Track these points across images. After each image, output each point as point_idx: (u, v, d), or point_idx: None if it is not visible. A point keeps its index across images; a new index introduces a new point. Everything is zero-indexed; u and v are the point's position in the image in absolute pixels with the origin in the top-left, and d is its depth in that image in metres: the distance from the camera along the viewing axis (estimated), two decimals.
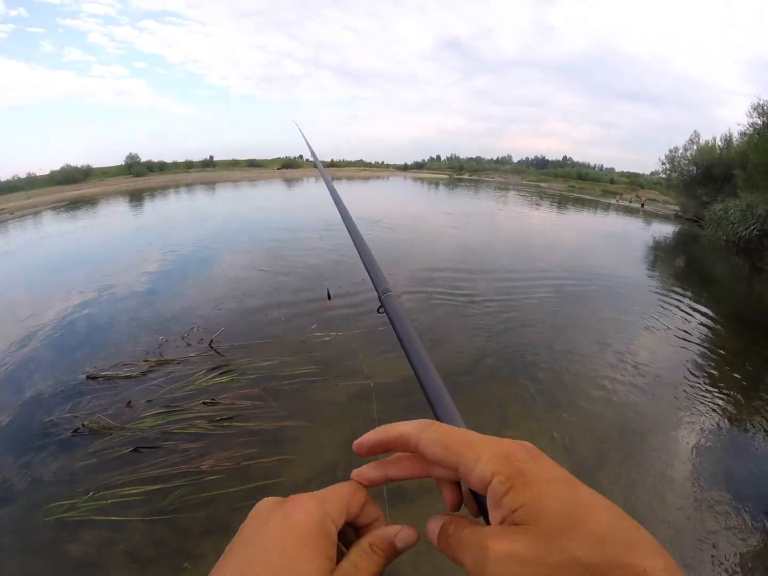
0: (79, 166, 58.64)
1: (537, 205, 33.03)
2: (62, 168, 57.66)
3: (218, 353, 5.62)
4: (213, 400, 4.59)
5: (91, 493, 3.46)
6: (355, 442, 0.42)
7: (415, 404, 4.58)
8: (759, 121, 22.60)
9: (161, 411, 4.45)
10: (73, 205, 29.74)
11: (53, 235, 16.44)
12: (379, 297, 0.80)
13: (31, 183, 54.74)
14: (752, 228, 20.47)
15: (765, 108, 21.93)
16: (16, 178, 58.89)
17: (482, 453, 0.35)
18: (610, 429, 4.61)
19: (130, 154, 67.76)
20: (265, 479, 3.57)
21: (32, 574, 3.00)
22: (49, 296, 8.40)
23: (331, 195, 1.31)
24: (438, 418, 0.54)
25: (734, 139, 30.80)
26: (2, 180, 57.39)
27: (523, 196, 40.57)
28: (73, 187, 47.27)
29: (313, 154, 1.95)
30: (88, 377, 5.21)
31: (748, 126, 24.27)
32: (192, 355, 5.58)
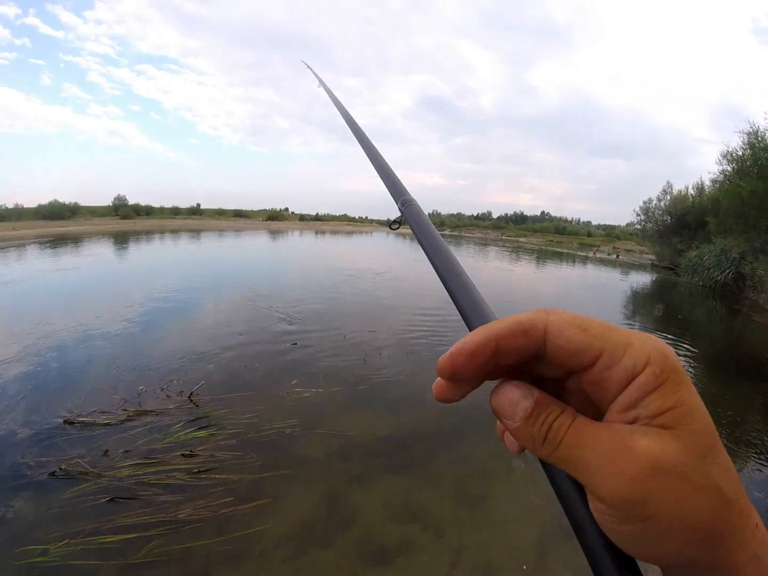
0: (66, 202, 58.82)
1: (516, 260, 33.72)
2: (50, 203, 57.86)
3: (198, 407, 5.65)
4: (192, 452, 4.61)
5: (66, 540, 3.45)
6: (445, 355, 0.33)
7: (395, 465, 4.65)
8: (729, 168, 23.84)
9: (139, 462, 4.44)
10: (58, 241, 29.67)
11: (35, 270, 16.38)
12: (399, 209, 0.80)
13: (18, 214, 54.83)
14: (727, 272, 21.40)
15: (734, 155, 23.16)
16: (3, 207, 58.82)
17: (632, 339, 0.30)
18: None
19: (118, 195, 68.27)
20: (243, 531, 3.58)
21: None
22: (24, 334, 8.34)
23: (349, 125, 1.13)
24: None
25: (706, 187, 32.79)
26: None
27: (503, 251, 41.40)
28: (59, 223, 47.41)
29: (334, 99, 1.39)
30: (65, 422, 5.19)
31: (718, 173, 25.72)
32: (171, 407, 5.59)
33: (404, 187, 0.72)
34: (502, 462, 4.92)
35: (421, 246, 0.64)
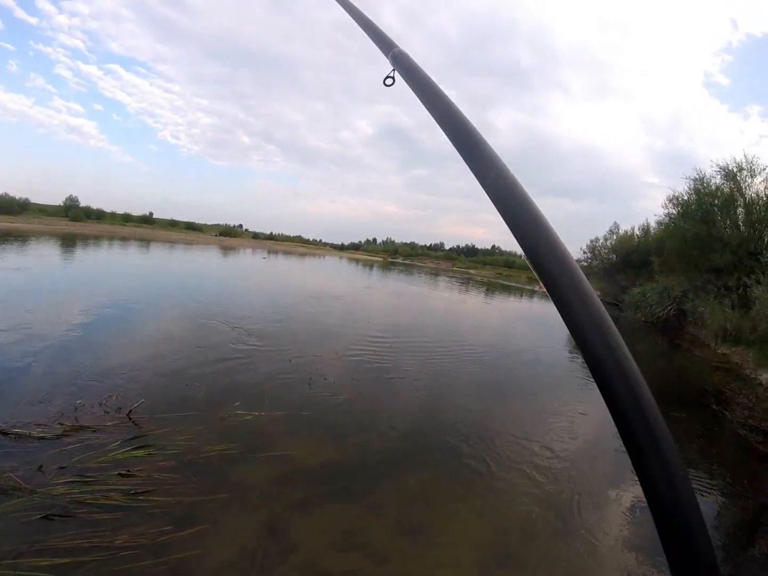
0: (17, 197, 56.89)
1: (465, 291, 34.39)
2: (0, 195, 55.67)
3: (136, 425, 5.53)
4: (129, 471, 4.52)
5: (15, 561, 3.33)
6: None
7: (337, 492, 4.66)
8: (674, 211, 25.31)
9: (74, 480, 4.33)
10: (3, 237, 28.67)
11: None
12: (390, 62, 0.74)
13: None
14: (669, 308, 22.40)
15: (679, 199, 24.68)
16: None
17: None
18: (536, 506, 4.82)
19: (70, 196, 66.34)
20: (181, 556, 3.52)
21: None
22: None
23: None
24: None
25: (651, 228, 34.58)
26: None
27: (454, 281, 42.11)
28: (7, 218, 45.63)
29: None
30: None
31: (663, 216, 27.21)
32: (109, 424, 5.46)
33: (391, 39, 0.61)
34: (444, 490, 4.98)
35: (420, 100, 0.59)
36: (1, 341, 7.99)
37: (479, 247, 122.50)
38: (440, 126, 0.68)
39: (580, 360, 13.56)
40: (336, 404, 6.98)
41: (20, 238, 29.92)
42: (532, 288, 46.43)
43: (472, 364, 10.58)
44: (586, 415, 7.95)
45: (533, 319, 22.33)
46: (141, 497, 4.20)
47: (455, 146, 0.79)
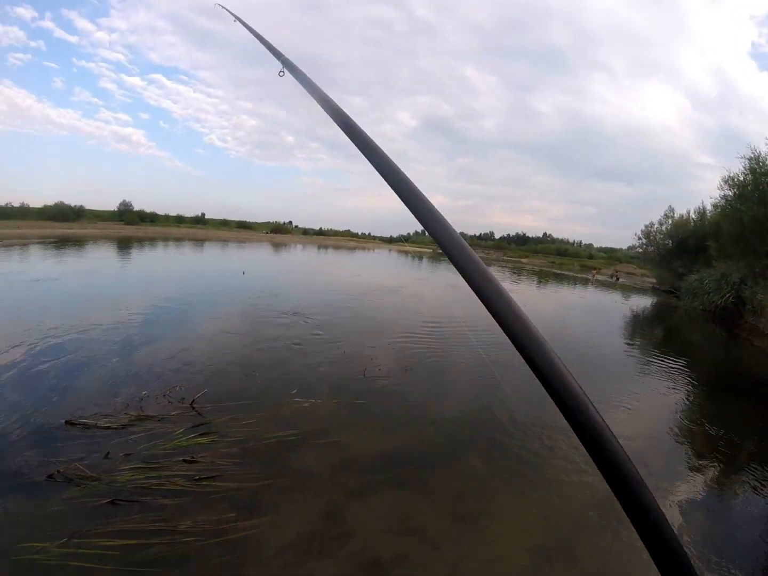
0: (72, 204, 58.95)
1: (517, 281, 33.73)
2: (56, 204, 58.04)
3: (199, 414, 5.67)
4: (193, 458, 4.63)
5: (65, 539, 3.45)
6: None
7: (392, 479, 4.66)
8: (730, 193, 23.90)
9: (140, 466, 4.46)
10: (62, 242, 29.80)
11: (38, 270, 16.48)
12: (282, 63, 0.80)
13: (23, 213, 55.05)
14: (727, 296, 21.39)
15: (735, 180, 23.22)
16: (9, 205, 58.99)
17: None
18: (592, 501, 4.70)
19: (124, 201, 68.49)
20: (241, 539, 3.59)
21: None
22: (29, 335, 8.34)
23: None
24: None
25: (707, 211, 32.81)
26: None
27: (505, 271, 41.39)
28: (63, 225, 47.55)
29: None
30: (66, 422, 5.21)
31: (720, 198, 25.62)
32: (173, 413, 5.61)
33: (278, 50, 0.69)
34: (497, 479, 4.94)
35: (308, 91, 0.65)
36: (69, 339, 8.34)
37: (530, 235, 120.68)
38: (329, 114, 0.78)
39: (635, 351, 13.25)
40: (390, 393, 6.99)
41: (77, 243, 31.02)
42: (584, 276, 45.45)
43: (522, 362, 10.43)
44: (639, 405, 7.78)
45: (583, 309, 21.70)
46: (204, 482, 4.29)
47: (346, 133, 0.89)
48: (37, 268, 17.71)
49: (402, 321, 12.55)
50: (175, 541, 3.54)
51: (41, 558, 3.31)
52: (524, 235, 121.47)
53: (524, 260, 69.90)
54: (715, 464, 5.88)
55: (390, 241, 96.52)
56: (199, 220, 79.33)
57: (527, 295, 23.60)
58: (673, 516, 4.58)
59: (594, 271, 51.08)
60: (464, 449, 5.53)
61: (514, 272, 42.04)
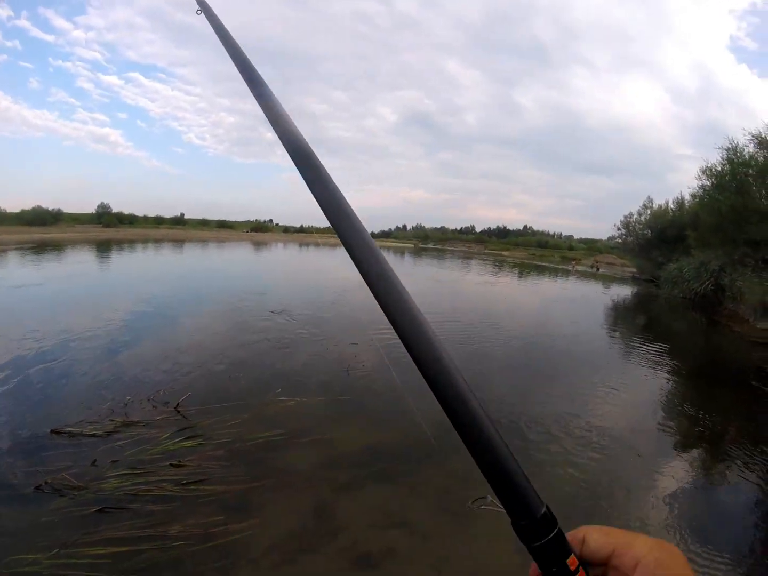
0: (50, 209, 58.23)
1: (498, 273, 33.99)
2: (33, 208, 57.24)
3: (185, 417, 5.68)
4: (180, 462, 4.65)
5: (56, 550, 3.47)
6: None
7: (375, 473, 4.72)
8: (708, 183, 24.07)
9: (127, 472, 4.47)
10: (40, 247, 29.45)
11: (18, 276, 16.31)
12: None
13: None
14: (707, 284, 21.67)
15: (713, 170, 23.40)
16: None
17: (636, 540, 0.47)
18: (576, 489, 4.78)
19: (102, 203, 67.84)
20: (231, 541, 3.63)
21: None
22: (8, 344, 8.28)
23: None
24: None
25: (686, 201, 33.04)
26: None
27: (486, 264, 41.67)
28: (41, 230, 46.89)
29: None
30: (52, 431, 5.20)
31: (697, 188, 25.88)
32: (158, 418, 5.62)
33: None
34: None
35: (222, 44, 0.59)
36: (51, 345, 8.30)
37: (511, 228, 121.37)
38: (239, 71, 0.72)
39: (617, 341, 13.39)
40: (373, 389, 7.05)
41: (56, 247, 30.65)
42: (565, 268, 45.81)
43: (507, 347, 10.56)
44: (617, 391, 7.91)
45: (564, 300, 21.84)
46: (192, 486, 4.31)
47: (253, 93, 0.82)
48: (17, 274, 17.49)
49: (384, 316, 12.54)
50: (166, 546, 3.57)
51: (34, 569, 3.32)
52: (505, 228, 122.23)
53: (505, 253, 70.32)
54: (699, 450, 6.06)
55: (372, 236, 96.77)
56: (179, 221, 78.91)
57: (509, 289, 23.80)
58: (659, 503, 4.67)
59: (574, 262, 51.59)
60: (449, 442, 5.56)
61: (495, 265, 42.32)
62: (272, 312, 11.89)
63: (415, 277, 24.73)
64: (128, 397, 6.16)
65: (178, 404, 5.94)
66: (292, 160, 0.71)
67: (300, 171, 0.69)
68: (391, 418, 6.10)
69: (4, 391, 6.39)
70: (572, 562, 0.47)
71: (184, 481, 4.37)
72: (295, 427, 5.53)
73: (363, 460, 5.01)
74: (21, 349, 8.04)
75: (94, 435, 5.16)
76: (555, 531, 0.49)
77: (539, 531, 0.49)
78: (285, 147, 0.73)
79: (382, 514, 4.15)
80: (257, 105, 0.79)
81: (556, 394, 7.53)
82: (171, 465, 4.61)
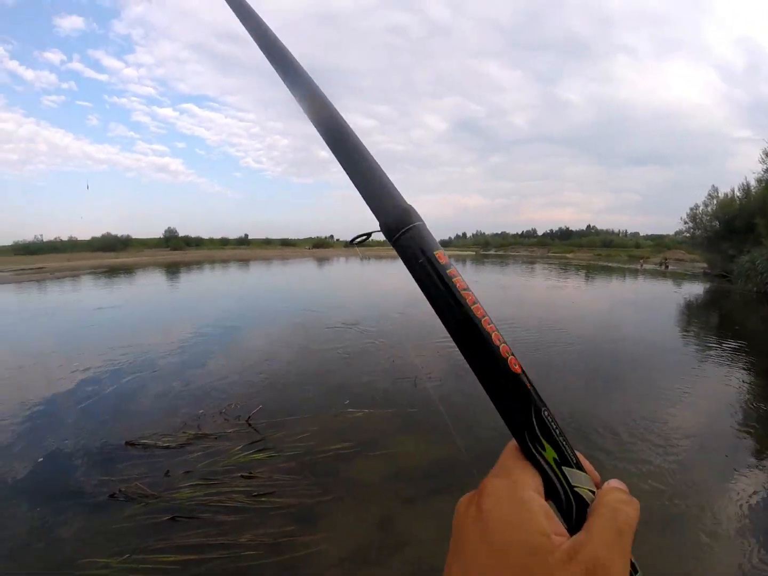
0: (119, 235, 61.01)
1: (564, 277, 32.84)
2: (103, 235, 60.41)
3: (256, 430, 5.72)
4: (251, 474, 4.65)
5: (127, 555, 3.53)
6: None
7: (441, 487, 4.59)
8: None
9: (199, 483, 4.52)
10: (112, 272, 30.87)
11: (94, 299, 17.14)
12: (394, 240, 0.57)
13: (72, 246, 57.75)
14: None
15: None
16: (58, 239, 61.79)
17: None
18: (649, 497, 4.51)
19: (169, 228, 70.69)
20: (299, 553, 3.59)
21: None
22: (87, 361, 8.78)
23: None
24: None
25: (752, 187, 30.72)
26: (45, 240, 60.33)
27: (551, 269, 40.58)
28: (112, 255, 49.50)
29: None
30: (126, 443, 5.36)
31: (763, 172, 24.04)
32: (230, 430, 5.69)
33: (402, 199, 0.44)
34: None
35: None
36: (127, 363, 8.69)
37: (573, 229, 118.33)
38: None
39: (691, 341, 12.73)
40: (441, 401, 6.94)
41: (127, 271, 32.05)
42: (632, 267, 44.05)
43: (576, 352, 10.19)
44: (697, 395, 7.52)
45: (634, 301, 20.35)
46: (263, 498, 4.30)
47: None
48: (95, 297, 18.43)
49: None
50: (234, 555, 3.57)
51: (104, 573, 3.39)
52: (567, 229, 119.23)
53: (569, 255, 68.36)
54: None
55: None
56: (243, 241, 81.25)
57: (576, 292, 22.97)
58: (736, 513, 4.38)
59: (641, 261, 49.60)
60: None
61: (561, 268, 41.11)
62: (339, 325, 12.04)
63: (481, 285, 24.31)
64: (201, 411, 6.29)
65: (249, 417, 5.99)
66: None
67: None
68: (458, 431, 5.97)
69: (85, 405, 6.71)
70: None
71: (255, 493, 4.36)
72: (363, 439, 5.47)
73: (429, 473, 4.89)
74: (102, 367, 8.49)
75: (167, 447, 5.26)
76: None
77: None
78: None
79: (447, 530, 4.02)
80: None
81: (628, 398, 7.18)
82: (242, 476, 4.62)
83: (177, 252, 58.42)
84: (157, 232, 69.81)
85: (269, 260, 48.82)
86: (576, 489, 0.41)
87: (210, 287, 23.71)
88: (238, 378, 7.67)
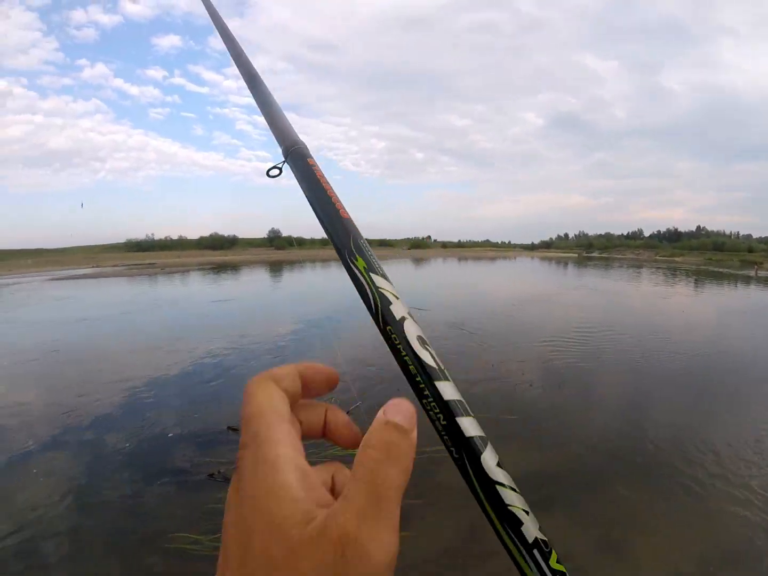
0: (225, 235, 64.24)
1: (672, 283, 30.09)
2: (211, 235, 63.74)
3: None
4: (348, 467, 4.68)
5: (218, 534, 3.61)
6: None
7: (536, 499, 4.38)
8: None
9: None
10: (219, 268, 32.44)
11: (204, 293, 18.12)
12: (284, 153, 0.67)
13: (182, 245, 61.54)
14: None
15: None
16: (168, 238, 66.22)
17: None
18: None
19: (272, 228, 73.37)
20: None
21: None
22: (203, 347, 9.58)
23: None
24: None
25: None
26: (156, 239, 64.90)
27: (658, 274, 37.91)
28: (219, 253, 52.27)
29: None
30: (228, 428, 5.58)
31: None
32: None
33: (293, 131, 0.67)
34: (651, 507, 4.48)
35: (305, 194, 0.59)
36: (235, 351, 9.32)
37: (682, 230, 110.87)
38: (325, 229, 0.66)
39: None
40: (541, 409, 6.63)
41: (234, 268, 33.54)
42: (746, 273, 40.05)
43: (683, 363, 9.44)
44: None
45: (747, 312, 18.18)
46: None
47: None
48: (207, 291, 19.56)
49: (554, 331, 11.89)
50: None
51: (192, 548, 3.55)
52: (676, 230, 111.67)
53: (678, 259, 63.84)
54: None
55: (532, 248, 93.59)
56: None
57: (685, 300, 21.24)
58: None
59: (756, 267, 45.55)
60: (617, 472, 5.08)
61: (669, 273, 38.08)
62: (443, 325, 11.94)
63: (587, 290, 23.09)
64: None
65: (348, 411, 5.99)
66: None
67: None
68: (555, 440, 5.72)
69: (190, 389, 7.22)
70: None
71: None
72: None
73: (524, 484, 4.64)
74: (215, 354, 9.11)
75: None
76: None
77: None
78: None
79: None
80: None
81: (737, 419, 6.63)
82: None
83: (280, 251, 60.41)
84: (262, 233, 72.67)
85: None
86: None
87: (313, 283, 24.44)
88: (342, 370, 7.70)
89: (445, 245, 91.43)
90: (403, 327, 0.48)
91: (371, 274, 0.51)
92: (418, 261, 49.33)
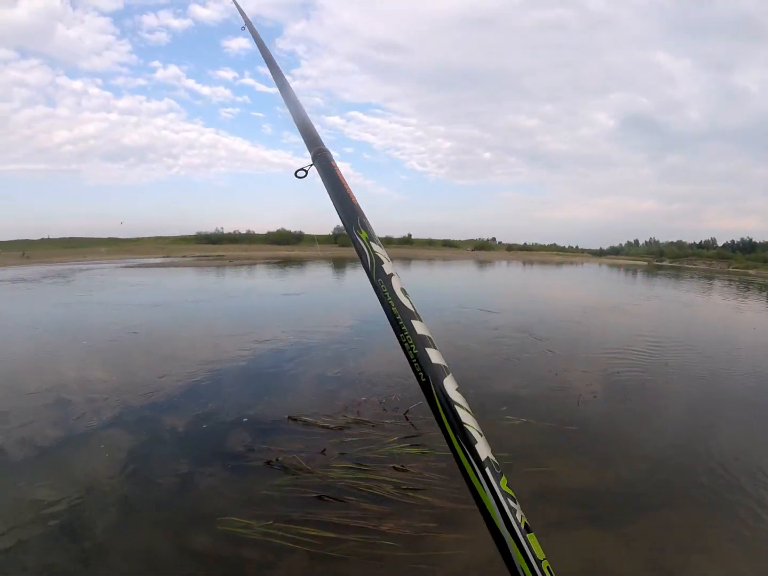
0: (292, 231, 65.79)
1: (744, 298, 27.97)
2: (278, 230, 65.36)
3: (412, 425, 5.73)
4: (402, 467, 4.66)
5: (270, 522, 3.74)
6: None
7: (589, 515, 4.29)
8: None
9: (351, 466, 4.63)
10: (285, 262, 33.28)
11: (275, 286, 18.65)
12: (312, 157, 0.80)
13: (250, 239, 63.63)
14: None
15: None
16: (237, 232, 68.71)
17: None
18: None
19: (337, 226, 73.94)
20: (437, 554, 3.54)
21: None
22: (272, 338, 10.01)
23: None
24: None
25: None
26: (225, 232, 67.52)
27: (730, 285, 35.95)
28: (286, 248, 53.58)
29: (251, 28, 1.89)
30: (289, 418, 5.69)
31: None
32: (387, 421, 5.78)
33: (318, 136, 0.83)
34: (708, 532, 4.26)
35: (332, 200, 0.77)
36: (303, 345, 9.61)
37: (758, 241, 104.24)
38: (349, 234, 0.88)
39: None
40: (603, 423, 6.39)
41: (299, 263, 34.28)
42: None
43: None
44: None
45: None
46: (411, 493, 4.26)
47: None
48: (277, 284, 20.24)
49: (622, 341, 11.44)
50: (373, 541, 3.60)
51: (243, 533, 3.61)
52: (750, 240, 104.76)
53: (752, 271, 59.50)
54: None
55: (600, 253, 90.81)
56: (406, 241, 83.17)
57: (757, 316, 20.02)
58: None
59: None
60: (676, 493, 4.86)
61: (744, 287, 35.86)
62: (504, 329, 11.75)
63: (659, 300, 22.12)
64: (362, 398, 6.54)
65: (407, 411, 6.03)
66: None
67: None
68: (614, 456, 5.53)
69: (255, 378, 7.44)
70: None
71: (404, 486, 4.36)
72: (518, 450, 5.19)
73: (579, 499, 4.55)
74: (283, 345, 9.49)
75: (326, 427, 5.49)
76: None
77: None
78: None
79: (585, 561, 3.71)
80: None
81: None
82: (394, 468, 4.64)
83: (345, 248, 61.09)
84: (327, 230, 73.99)
85: (431, 260, 49.88)
86: None
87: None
88: (402, 371, 7.69)
89: (510, 247, 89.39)
90: (390, 281, 0.62)
91: (371, 243, 0.71)
92: (482, 263, 48.88)
